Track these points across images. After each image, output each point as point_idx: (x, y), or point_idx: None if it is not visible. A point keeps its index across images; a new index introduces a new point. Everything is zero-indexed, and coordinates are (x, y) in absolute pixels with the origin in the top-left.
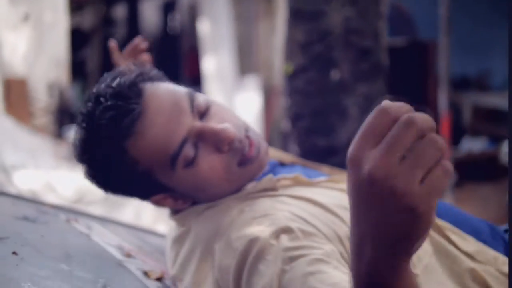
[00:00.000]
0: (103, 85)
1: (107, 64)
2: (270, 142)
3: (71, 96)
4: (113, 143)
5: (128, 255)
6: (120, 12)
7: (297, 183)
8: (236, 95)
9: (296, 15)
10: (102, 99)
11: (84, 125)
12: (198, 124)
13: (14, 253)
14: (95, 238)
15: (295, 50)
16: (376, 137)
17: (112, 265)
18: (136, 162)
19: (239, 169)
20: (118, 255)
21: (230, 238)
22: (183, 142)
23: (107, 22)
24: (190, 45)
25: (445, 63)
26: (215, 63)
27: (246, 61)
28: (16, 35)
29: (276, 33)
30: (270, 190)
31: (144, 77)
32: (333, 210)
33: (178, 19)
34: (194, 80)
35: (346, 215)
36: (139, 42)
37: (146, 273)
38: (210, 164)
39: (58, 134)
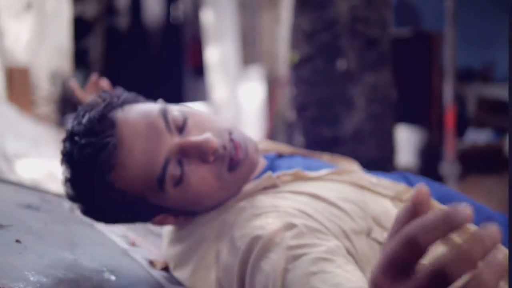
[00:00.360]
0: (75, 123)
1: (109, 53)
2: (274, 132)
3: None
4: (97, 180)
5: (133, 244)
6: (123, 1)
7: (298, 178)
8: (239, 85)
9: (303, 4)
10: (76, 138)
11: (66, 166)
12: (177, 140)
13: (17, 241)
14: (99, 227)
15: (301, 39)
16: (402, 267)
17: (117, 254)
18: (125, 193)
19: (231, 174)
20: (123, 244)
21: (233, 237)
22: (166, 163)
23: (110, 11)
24: (193, 35)
25: (451, 54)
26: (219, 53)
27: (250, 51)
28: (18, 24)
29: (280, 23)
30: (270, 188)
31: (113, 105)
32: (337, 203)
33: (181, 8)
34: (197, 70)
35: (351, 208)
36: (96, 78)
37: (151, 263)
38: (199, 177)
39: (61, 123)
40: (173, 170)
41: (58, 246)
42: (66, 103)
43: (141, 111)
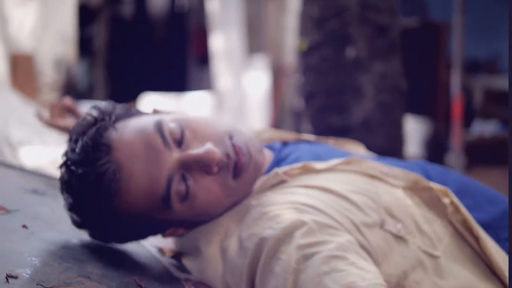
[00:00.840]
0: (69, 149)
1: (114, 41)
2: (279, 122)
3: (78, 72)
4: (100, 208)
5: None
6: None
7: (307, 171)
8: (244, 74)
9: None
10: (73, 167)
11: (67, 194)
12: (177, 156)
13: (24, 226)
14: None
15: (309, 26)
16: None
17: None
18: (131, 215)
19: (236, 182)
20: None
21: (241, 236)
22: (169, 182)
23: None
24: (198, 23)
25: (459, 45)
26: (224, 42)
27: (255, 40)
28: (23, 11)
29: (285, 12)
30: (278, 184)
31: (105, 125)
32: (347, 196)
33: None
34: (202, 59)
35: (362, 201)
36: (56, 102)
37: (161, 250)
38: (205, 189)
39: None
40: (178, 186)
41: (65, 232)
42: (70, 91)
43: (135, 128)
